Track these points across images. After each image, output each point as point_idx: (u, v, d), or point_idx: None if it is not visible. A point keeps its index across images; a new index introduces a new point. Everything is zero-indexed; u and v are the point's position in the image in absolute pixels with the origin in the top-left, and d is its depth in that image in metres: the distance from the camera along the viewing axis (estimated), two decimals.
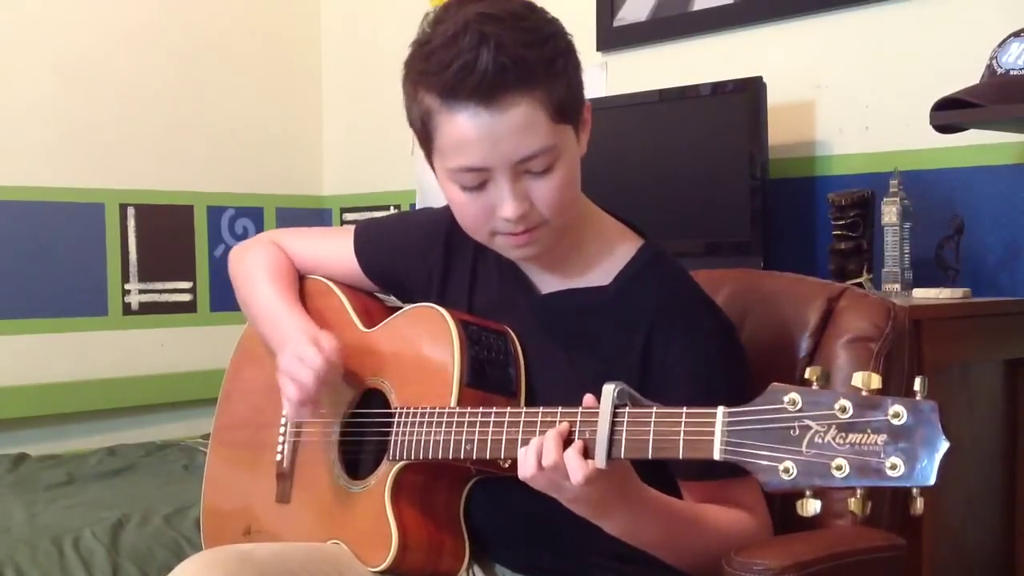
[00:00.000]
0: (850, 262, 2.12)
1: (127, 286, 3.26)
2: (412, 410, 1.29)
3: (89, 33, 3.19)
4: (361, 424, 1.38)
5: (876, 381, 0.91)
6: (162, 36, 3.32)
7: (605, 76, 2.78)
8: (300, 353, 1.34)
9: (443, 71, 1.18)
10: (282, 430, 1.50)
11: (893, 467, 0.87)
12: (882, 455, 0.88)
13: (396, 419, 1.31)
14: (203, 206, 3.43)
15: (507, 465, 1.15)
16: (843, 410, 0.91)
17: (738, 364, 1.29)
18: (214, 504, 1.62)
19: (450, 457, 1.23)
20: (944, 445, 0.87)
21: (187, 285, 3.39)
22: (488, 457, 1.19)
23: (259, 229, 3.54)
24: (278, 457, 1.48)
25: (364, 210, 3.56)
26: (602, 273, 1.34)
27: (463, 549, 1.34)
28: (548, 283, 1.37)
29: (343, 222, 3.67)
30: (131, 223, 3.26)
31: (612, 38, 2.78)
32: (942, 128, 1.93)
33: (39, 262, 3.10)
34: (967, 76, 1.90)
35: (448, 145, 1.22)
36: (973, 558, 1.89)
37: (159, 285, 3.33)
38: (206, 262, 3.42)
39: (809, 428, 0.92)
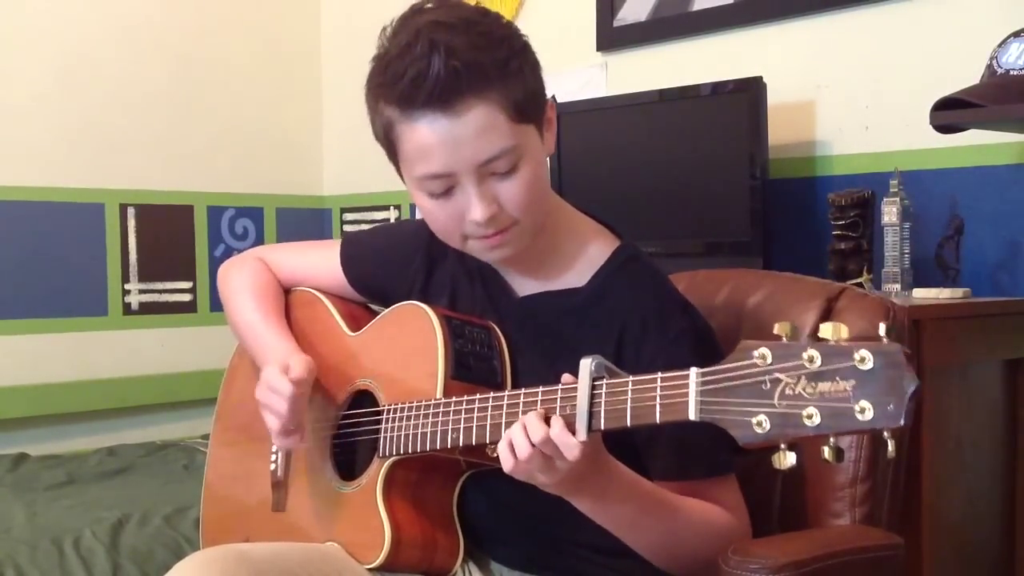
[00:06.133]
0: (850, 262, 2.12)
1: (127, 286, 3.26)
2: (399, 406, 1.30)
3: (89, 33, 3.19)
4: (352, 426, 1.38)
5: (844, 331, 0.91)
6: (162, 36, 3.32)
7: (605, 76, 2.77)
8: (271, 383, 1.35)
9: (398, 81, 1.20)
10: None
11: (862, 411, 0.88)
12: (851, 400, 0.88)
13: (384, 416, 1.31)
14: (203, 206, 3.43)
15: (495, 455, 1.16)
16: (811, 360, 0.91)
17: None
18: (213, 518, 1.63)
19: (438, 447, 1.24)
20: (912, 385, 0.86)
21: (187, 285, 3.39)
22: (475, 443, 1.20)
23: (259, 229, 3.55)
24: (272, 467, 1.48)
25: (364, 210, 3.57)
26: (577, 274, 1.35)
27: (457, 545, 1.34)
28: (525, 286, 1.38)
29: (343, 222, 3.67)
30: (131, 223, 3.26)
31: (612, 38, 2.77)
32: (942, 128, 1.93)
33: (39, 262, 3.09)
34: (967, 76, 1.90)
35: (412, 154, 1.24)
36: (973, 556, 1.89)
37: (159, 285, 3.33)
38: (206, 262, 3.42)
39: (780, 381, 0.92)
